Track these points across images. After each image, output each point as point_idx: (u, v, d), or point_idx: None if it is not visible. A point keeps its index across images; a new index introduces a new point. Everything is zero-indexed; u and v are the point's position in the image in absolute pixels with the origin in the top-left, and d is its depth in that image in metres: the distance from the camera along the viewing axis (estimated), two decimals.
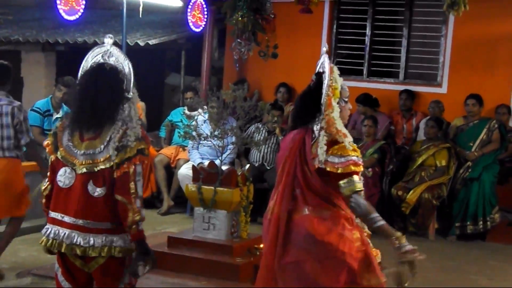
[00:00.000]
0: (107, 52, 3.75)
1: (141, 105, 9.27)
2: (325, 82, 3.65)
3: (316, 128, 3.56)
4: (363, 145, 8.01)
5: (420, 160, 8.06)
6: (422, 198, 7.78)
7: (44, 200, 3.76)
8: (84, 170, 3.59)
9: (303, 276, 3.45)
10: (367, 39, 9.43)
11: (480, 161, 7.90)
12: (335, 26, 9.65)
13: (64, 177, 3.63)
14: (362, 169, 3.48)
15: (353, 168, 3.42)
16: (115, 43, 3.89)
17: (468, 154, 7.97)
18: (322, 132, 3.50)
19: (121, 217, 3.58)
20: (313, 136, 3.56)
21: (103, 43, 3.79)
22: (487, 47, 8.73)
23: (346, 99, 3.74)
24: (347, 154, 3.44)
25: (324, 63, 3.73)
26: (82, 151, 3.61)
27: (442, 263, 6.92)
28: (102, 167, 3.58)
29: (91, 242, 3.58)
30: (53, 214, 3.66)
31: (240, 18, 7.90)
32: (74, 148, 3.64)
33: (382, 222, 3.39)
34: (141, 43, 9.86)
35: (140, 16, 9.97)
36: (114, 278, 3.70)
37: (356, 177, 3.43)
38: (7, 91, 5.91)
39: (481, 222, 7.71)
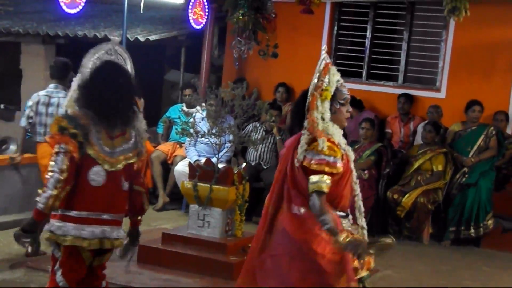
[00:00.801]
0: (111, 50, 3.80)
1: (139, 102, 9.27)
2: (313, 81, 3.66)
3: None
4: (360, 147, 8.01)
5: (416, 164, 8.06)
6: (417, 202, 7.78)
7: (57, 203, 3.57)
8: (120, 166, 3.71)
9: (277, 271, 3.52)
10: (367, 42, 9.43)
11: (477, 167, 7.90)
12: (335, 28, 9.65)
13: (97, 175, 3.65)
14: (337, 170, 3.50)
15: (326, 168, 3.46)
16: None
17: (465, 160, 7.98)
18: (305, 131, 3.56)
19: (138, 206, 3.84)
20: None
21: (109, 39, 3.89)
22: (487, 53, 8.73)
23: (342, 101, 3.74)
24: (322, 153, 3.47)
25: (320, 63, 3.73)
26: (117, 148, 3.71)
27: (436, 267, 6.93)
28: (133, 161, 3.78)
29: (119, 234, 3.77)
30: (83, 214, 3.63)
31: (241, 17, 7.90)
32: (105, 147, 3.68)
33: (328, 226, 3.39)
34: (142, 39, 9.84)
35: (141, 11, 9.96)
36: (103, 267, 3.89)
37: (326, 177, 3.45)
38: (66, 86, 6.26)
39: (478, 228, 7.71)
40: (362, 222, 3.76)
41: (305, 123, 3.58)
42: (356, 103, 8.69)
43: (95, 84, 3.66)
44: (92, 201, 3.64)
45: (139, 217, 3.88)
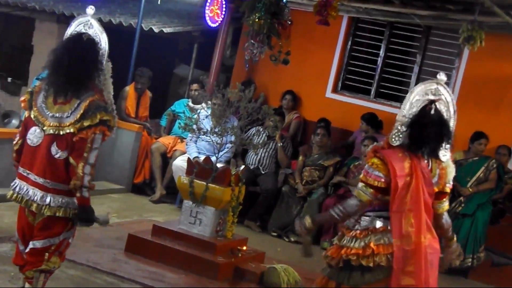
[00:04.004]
0: (87, 22, 3.99)
1: (148, 93, 9.29)
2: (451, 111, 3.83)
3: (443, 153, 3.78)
4: (360, 164, 7.99)
5: None
6: None
7: (14, 154, 4.05)
8: (51, 131, 3.86)
9: None
10: (379, 60, 9.43)
11: (474, 199, 7.89)
12: (349, 42, 9.64)
13: (33, 135, 3.90)
14: None
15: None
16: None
17: (463, 189, 7.96)
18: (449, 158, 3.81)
19: (71, 177, 3.86)
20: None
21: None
22: (497, 86, 8.72)
23: None
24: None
25: (442, 91, 3.79)
26: (52, 114, 3.87)
27: None
28: (67, 131, 3.84)
29: (47, 201, 3.88)
30: (20, 170, 3.98)
31: (257, 20, 7.88)
32: (46, 110, 3.90)
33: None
34: (156, 30, 9.84)
35: (159, 3, 9.98)
36: (49, 234, 3.96)
37: None
38: None
39: (469, 259, 7.70)
40: None
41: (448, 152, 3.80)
42: (376, 122, 8.67)
43: (56, 51, 3.90)
44: (25, 159, 3.95)
45: (77, 194, 3.88)
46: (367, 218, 3.81)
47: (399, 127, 3.70)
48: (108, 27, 10.05)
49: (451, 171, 3.82)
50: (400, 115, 3.76)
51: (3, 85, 12.11)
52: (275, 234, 7.97)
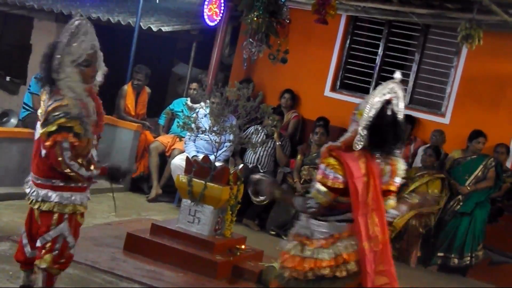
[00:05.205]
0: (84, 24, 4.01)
1: (146, 89, 9.29)
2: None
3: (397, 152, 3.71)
4: None
5: (412, 187, 8.04)
6: (409, 225, 7.77)
7: None
8: (37, 133, 4.01)
9: None
10: (378, 59, 9.44)
11: (472, 197, 7.90)
12: (348, 41, 9.65)
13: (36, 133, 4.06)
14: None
15: None
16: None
17: (461, 188, 7.97)
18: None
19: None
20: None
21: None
22: (495, 84, 8.74)
23: None
24: None
25: (397, 89, 3.68)
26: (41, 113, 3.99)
27: None
28: (38, 135, 3.96)
29: (34, 194, 4.05)
30: None
31: (255, 18, 7.88)
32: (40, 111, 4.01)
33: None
34: (154, 29, 9.84)
35: (157, 1, 9.97)
36: (42, 232, 4.05)
37: None
38: None
39: (468, 258, 7.71)
40: None
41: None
42: None
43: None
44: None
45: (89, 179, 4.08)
46: (325, 223, 3.63)
47: (361, 132, 3.55)
48: (106, 26, 10.11)
49: (401, 168, 3.71)
50: (360, 119, 3.60)
51: (2, 84, 12.11)
52: (273, 232, 7.97)
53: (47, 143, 3.86)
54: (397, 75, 3.71)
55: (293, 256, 3.66)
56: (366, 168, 3.57)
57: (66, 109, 3.85)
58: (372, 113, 3.57)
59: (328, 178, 3.52)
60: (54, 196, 4.01)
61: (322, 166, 3.59)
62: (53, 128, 3.84)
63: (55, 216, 4.02)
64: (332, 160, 3.56)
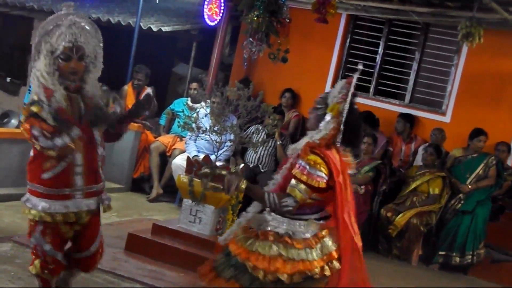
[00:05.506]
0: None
1: (147, 89, 9.29)
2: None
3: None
4: (359, 162, 8.00)
5: (413, 185, 8.06)
6: (410, 223, 7.77)
7: None
8: None
9: None
10: (378, 58, 9.43)
11: (474, 196, 7.89)
12: (348, 40, 9.65)
13: None
14: None
15: None
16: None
17: (462, 186, 7.97)
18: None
19: None
20: None
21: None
22: (496, 82, 8.73)
23: None
24: None
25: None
26: None
27: None
28: None
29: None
30: None
31: (255, 18, 7.88)
32: None
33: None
34: (154, 29, 9.85)
35: (157, 1, 9.97)
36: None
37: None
38: None
39: (469, 256, 7.71)
40: None
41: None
42: (373, 121, 8.67)
43: None
44: None
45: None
46: (303, 222, 3.54)
47: (342, 128, 3.49)
48: (106, 26, 10.11)
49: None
50: (334, 115, 3.52)
51: (2, 85, 12.11)
52: None
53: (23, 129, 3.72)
54: (360, 66, 3.69)
55: (274, 257, 3.48)
56: (340, 164, 3.55)
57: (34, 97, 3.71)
58: (347, 108, 3.53)
59: (313, 177, 3.43)
60: (24, 199, 3.88)
61: (302, 163, 3.48)
62: (25, 114, 3.72)
63: (29, 222, 3.90)
64: (315, 158, 3.47)
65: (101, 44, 3.91)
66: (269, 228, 3.57)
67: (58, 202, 3.83)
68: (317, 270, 3.45)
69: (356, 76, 3.63)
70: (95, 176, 3.94)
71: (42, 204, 3.81)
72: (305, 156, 3.48)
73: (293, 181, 3.48)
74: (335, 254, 3.50)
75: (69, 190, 3.84)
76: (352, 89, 3.57)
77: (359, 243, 3.58)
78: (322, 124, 3.57)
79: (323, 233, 3.54)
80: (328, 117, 3.56)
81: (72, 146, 3.68)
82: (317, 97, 3.73)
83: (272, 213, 3.60)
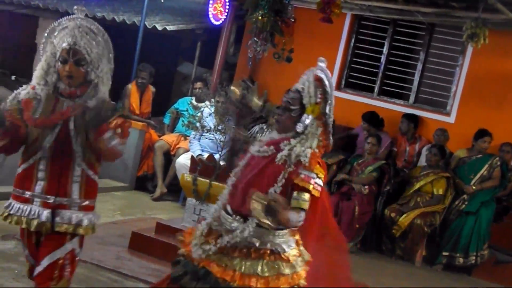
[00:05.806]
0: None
1: (150, 88, 9.31)
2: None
3: None
4: (363, 162, 8.00)
5: (417, 186, 8.04)
6: (414, 224, 7.76)
7: None
8: None
9: None
10: (383, 58, 9.42)
11: (478, 196, 7.88)
12: (353, 40, 9.64)
13: None
14: None
15: None
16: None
17: (467, 187, 7.95)
18: None
19: None
20: None
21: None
22: (501, 83, 8.71)
23: None
24: None
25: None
26: None
27: None
28: None
29: None
30: None
31: (260, 17, 7.88)
32: None
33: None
34: (159, 28, 9.85)
35: (162, 0, 9.96)
36: None
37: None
38: None
39: (473, 257, 7.69)
40: None
41: None
42: (377, 121, 8.66)
43: None
44: None
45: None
46: (283, 231, 3.28)
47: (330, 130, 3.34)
48: (111, 25, 10.12)
49: None
50: (326, 117, 3.35)
51: (7, 83, 12.13)
52: None
53: None
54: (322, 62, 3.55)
55: (271, 277, 3.22)
56: None
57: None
58: (333, 106, 3.38)
59: (316, 188, 3.22)
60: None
61: (313, 175, 3.26)
62: None
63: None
64: (320, 169, 3.29)
65: (111, 55, 3.71)
66: (268, 245, 3.27)
67: (18, 204, 3.76)
68: (303, 280, 3.29)
69: (323, 67, 3.54)
70: (62, 189, 3.66)
71: (20, 206, 3.77)
72: (314, 168, 3.27)
73: (295, 193, 3.21)
74: (310, 259, 3.37)
75: (29, 194, 3.71)
76: (328, 85, 3.42)
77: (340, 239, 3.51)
78: (307, 130, 3.36)
79: (297, 237, 3.37)
80: (308, 120, 3.35)
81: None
82: (285, 96, 3.52)
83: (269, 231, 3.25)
